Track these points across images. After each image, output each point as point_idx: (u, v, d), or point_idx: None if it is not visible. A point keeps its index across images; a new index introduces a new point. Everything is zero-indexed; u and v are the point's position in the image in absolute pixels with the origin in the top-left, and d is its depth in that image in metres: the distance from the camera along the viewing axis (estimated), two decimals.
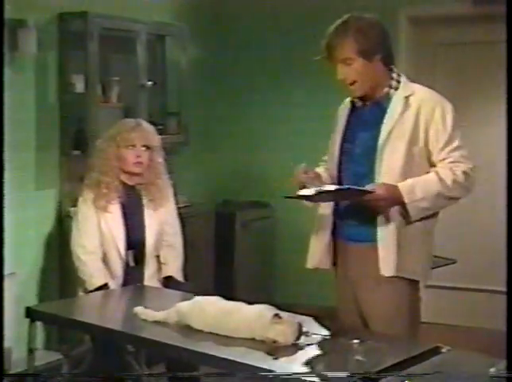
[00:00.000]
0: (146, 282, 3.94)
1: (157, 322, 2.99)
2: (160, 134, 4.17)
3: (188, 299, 3.00)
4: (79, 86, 4.80)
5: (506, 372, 2.40)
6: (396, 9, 5.48)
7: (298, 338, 2.68)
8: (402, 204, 3.02)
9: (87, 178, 4.01)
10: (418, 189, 3.02)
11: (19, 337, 3.84)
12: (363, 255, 3.10)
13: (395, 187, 3.01)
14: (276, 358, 2.58)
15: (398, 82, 3.14)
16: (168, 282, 4.03)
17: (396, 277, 3.06)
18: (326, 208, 3.22)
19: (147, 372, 3.53)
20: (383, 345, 2.76)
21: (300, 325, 2.70)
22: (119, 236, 3.93)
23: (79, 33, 4.79)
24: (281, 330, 2.67)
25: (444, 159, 3.05)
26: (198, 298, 2.97)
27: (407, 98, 3.09)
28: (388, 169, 3.05)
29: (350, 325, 3.16)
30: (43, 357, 4.19)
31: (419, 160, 3.07)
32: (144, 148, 3.95)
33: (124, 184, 3.98)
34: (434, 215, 3.15)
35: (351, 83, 3.11)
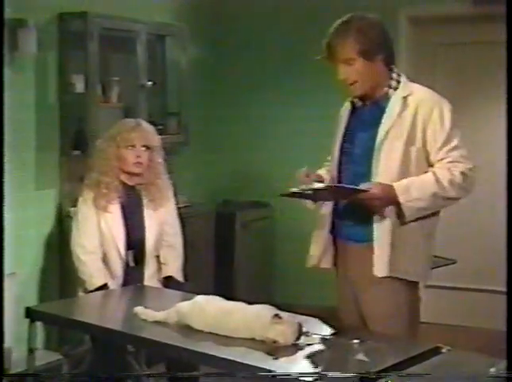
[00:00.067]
0: (146, 282, 3.94)
1: (157, 322, 2.99)
2: (160, 134, 4.17)
3: (188, 299, 3.00)
4: (79, 86, 4.80)
5: (506, 372, 2.40)
6: (396, 9, 5.48)
7: (298, 338, 2.68)
8: (397, 204, 3.02)
9: (87, 178, 4.01)
10: (414, 189, 3.01)
11: (19, 337, 3.84)
12: (362, 255, 3.10)
13: (390, 187, 3.01)
14: (276, 358, 2.58)
15: (398, 82, 3.13)
16: (168, 282, 4.03)
17: (393, 277, 3.06)
18: (326, 208, 3.22)
19: (147, 372, 3.53)
20: (383, 345, 2.76)
21: (300, 325, 2.70)
22: (119, 236, 3.93)
23: (79, 33, 4.79)
24: (281, 330, 2.67)
25: (442, 159, 3.05)
26: (198, 298, 2.97)
27: (405, 98, 3.09)
28: (385, 169, 3.05)
29: (350, 325, 3.16)
30: (43, 357, 4.19)
31: (417, 160, 3.06)
32: (144, 148, 3.95)
33: (124, 184, 3.98)
34: (434, 216, 3.14)
35: (352, 83, 3.11)
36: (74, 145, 4.82)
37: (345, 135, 3.22)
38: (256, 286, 5.83)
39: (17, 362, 3.99)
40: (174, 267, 4.06)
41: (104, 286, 3.86)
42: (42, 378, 3.41)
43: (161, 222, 4.03)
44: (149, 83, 5.24)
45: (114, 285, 3.91)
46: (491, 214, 5.34)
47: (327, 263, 3.27)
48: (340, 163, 3.21)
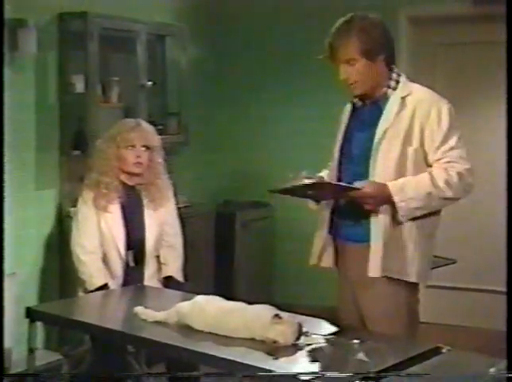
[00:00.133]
0: (146, 282, 3.94)
1: (157, 322, 2.99)
2: (160, 134, 4.17)
3: (188, 299, 3.00)
4: (79, 86, 4.80)
5: (506, 372, 2.40)
6: (396, 9, 5.48)
7: (298, 338, 2.68)
8: (392, 204, 3.01)
9: (86, 178, 4.01)
10: (409, 188, 3.00)
11: (19, 337, 3.84)
12: (360, 255, 3.09)
13: (384, 185, 3.00)
14: (276, 358, 2.58)
15: (397, 82, 3.13)
16: (168, 282, 4.03)
17: (392, 278, 3.06)
18: (326, 208, 3.22)
19: (147, 372, 3.53)
20: (383, 345, 2.76)
21: (300, 326, 2.70)
22: (119, 236, 3.93)
23: (79, 33, 4.79)
24: (281, 330, 2.67)
25: (439, 159, 3.03)
26: (198, 298, 2.97)
27: (404, 98, 3.08)
28: (383, 169, 3.04)
29: (350, 325, 3.16)
30: (43, 357, 4.19)
31: (414, 160, 3.04)
32: (144, 148, 3.95)
33: (124, 184, 3.98)
34: (434, 216, 3.12)
35: (352, 83, 3.11)
36: (74, 145, 4.82)
37: (345, 135, 3.22)
38: (256, 286, 5.83)
39: (17, 362, 3.99)
40: (174, 267, 4.06)
41: (104, 286, 3.86)
42: (42, 378, 3.41)
43: (161, 222, 4.03)
44: (149, 83, 5.24)
45: (114, 285, 3.91)
46: (491, 214, 5.34)
47: (327, 263, 3.27)
48: (340, 163, 3.21)
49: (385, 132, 3.06)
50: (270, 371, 2.46)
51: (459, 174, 3.01)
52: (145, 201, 4.00)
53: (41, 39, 4.57)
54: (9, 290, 3.96)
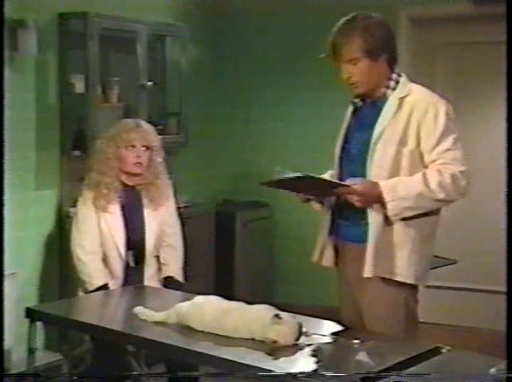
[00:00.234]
0: (146, 283, 3.94)
1: (156, 322, 2.99)
2: (160, 134, 4.17)
3: (188, 299, 3.00)
4: (79, 86, 4.79)
5: (507, 372, 2.40)
6: (396, 9, 5.48)
7: (298, 338, 2.68)
8: (383, 203, 3.00)
9: (86, 178, 4.01)
10: (400, 187, 2.98)
11: (19, 337, 3.84)
12: (358, 255, 3.09)
13: (375, 184, 3.00)
14: (276, 358, 2.58)
15: (397, 82, 3.12)
16: (168, 282, 4.03)
17: (390, 278, 3.06)
18: (328, 208, 3.22)
19: (147, 372, 3.53)
20: (383, 345, 2.76)
21: (300, 326, 2.70)
22: (119, 237, 3.93)
23: (79, 33, 4.79)
24: (281, 331, 2.67)
25: (434, 160, 3.02)
26: (197, 299, 2.97)
27: (402, 99, 3.08)
28: (378, 169, 3.04)
29: (350, 325, 3.16)
30: (43, 357, 4.19)
31: (410, 161, 3.03)
32: (144, 148, 3.95)
33: (124, 184, 3.98)
34: (431, 217, 3.10)
35: (353, 83, 3.10)
36: (74, 145, 4.82)
37: (345, 135, 3.22)
38: (256, 286, 5.83)
39: (17, 362, 4.00)
40: (174, 268, 4.06)
41: (104, 287, 3.86)
42: (42, 378, 3.41)
43: (161, 222, 4.03)
44: (149, 83, 5.24)
45: (114, 285, 3.91)
46: (491, 214, 5.34)
47: (327, 262, 3.27)
48: (341, 163, 3.21)
49: (382, 132, 3.05)
50: (270, 371, 2.46)
51: (453, 176, 2.99)
52: (145, 201, 4.00)
53: (41, 39, 4.57)
54: (9, 290, 3.96)
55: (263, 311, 2.77)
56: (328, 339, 2.76)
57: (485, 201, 5.32)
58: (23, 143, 4.60)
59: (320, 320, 3.03)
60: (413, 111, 3.05)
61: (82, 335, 3.88)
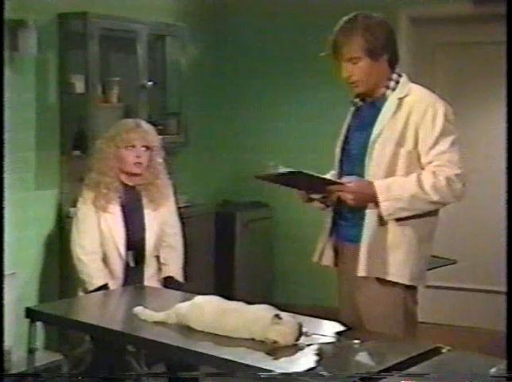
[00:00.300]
0: (146, 283, 3.94)
1: (156, 322, 2.99)
2: (160, 134, 4.17)
3: (188, 299, 2.99)
4: (79, 86, 4.80)
5: (507, 372, 2.40)
6: (396, 9, 5.48)
7: (298, 339, 2.68)
8: (377, 202, 2.99)
9: (86, 178, 4.01)
10: (395, 188, 2.98)
11: (19, 337, 3.84)
12: (355, 255, 3.08)
13: (370, 183, 2.99)
14: (276, 358, 2.58)
15: (397, 83, 3.12)
16: (168, 282, 4.03)
17: (389, 279, 3.06)
18: (330, 208, 3.22)
19: (147, 372, 3.53)
20: (383, 345, 2.76)
21: (300, 326, 2.70)
22: (119, 237, 3.93)
23: (79, 33, 4.79)
24: (281, 331, 2.67)
25: (430, 162, 3.00)
26: (197, 299, 2.97)
27: (401, 99, 3.07)
28: (375, 169, 3.04)
29: (350, 325, 3.16)
30: (43, 357, 4.20)
31: (407, 162, 3.02)
32: (144, 148, 3.95)
33: (124, 184, 3.98)
34: (429, 218, 3.08)
35: (354, 82, 3.10)
36: (74, 145, 4.82)
37: (346, 135, 3.22)
38: (256, 286, 5.83)
39: (17, 362, 3.99)
40: (174, 268, 4.06)
41: (104, 287, 3.86)
42: (42, 378, 3.41)
43: (161, 222, 4.03)
44: (149, 83, 5.24)
45: (114, 285, 3.91)
46: (491, 214, 5.34)
47: (327, 262, 3.27)
48: (342, 162, 3.21)
49: (380, 132, 3.05)
50: (270, 371, 2.46)
51: (448, 179, 2.97)
52: (145, 201, 4.00)
53: (41, 39, 4.57)
54: (9, 290, 3.96)
55: (263, 311, 2.77)
56: (328, 339, 2.77)
57: (485, 201, 5.33)
58: (23, 143, 4.61)
59: (320, 320, 3.03)
60: (411, 112, 3.04)
61: (82, 335, 3.89)
